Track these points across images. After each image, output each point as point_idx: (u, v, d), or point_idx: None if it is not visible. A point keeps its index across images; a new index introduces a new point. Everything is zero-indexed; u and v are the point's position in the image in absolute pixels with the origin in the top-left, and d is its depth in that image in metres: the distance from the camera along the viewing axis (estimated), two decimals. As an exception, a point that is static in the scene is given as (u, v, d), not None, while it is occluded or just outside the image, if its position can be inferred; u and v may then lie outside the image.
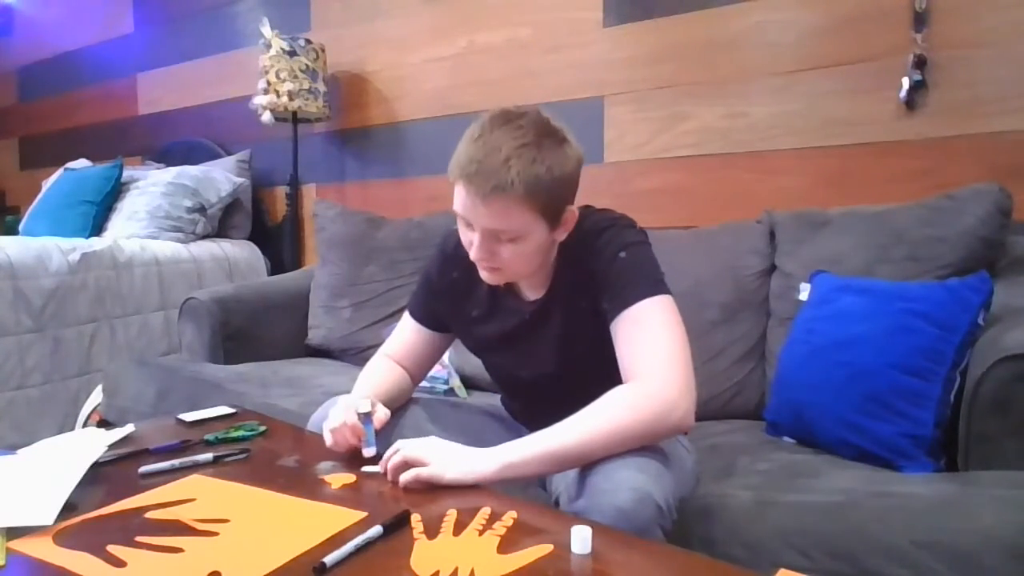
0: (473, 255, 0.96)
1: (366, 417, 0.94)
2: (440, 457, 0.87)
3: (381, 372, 1.14)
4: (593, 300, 0.98)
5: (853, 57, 1.77)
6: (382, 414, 0.98)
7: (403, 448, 0.89)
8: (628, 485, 0.80)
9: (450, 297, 1.13)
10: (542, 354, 1.07)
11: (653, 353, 0.91)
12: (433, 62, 2.52)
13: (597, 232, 1.00)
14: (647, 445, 0.88)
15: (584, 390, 0.90)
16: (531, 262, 0.98)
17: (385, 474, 0.89)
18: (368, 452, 0.94)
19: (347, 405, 0.98)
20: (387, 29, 2.63)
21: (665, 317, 0.93)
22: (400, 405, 1.14)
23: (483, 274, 1.00)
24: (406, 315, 1.20)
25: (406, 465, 0.87)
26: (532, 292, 1.07)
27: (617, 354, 0.95)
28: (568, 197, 0.96)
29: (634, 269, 0.96)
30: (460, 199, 0.92)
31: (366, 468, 0.93)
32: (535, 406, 1.07)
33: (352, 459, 0.96)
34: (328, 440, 0.98)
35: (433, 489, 0.85)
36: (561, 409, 0.89)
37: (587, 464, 0.87)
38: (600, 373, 0.94)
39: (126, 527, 0.76)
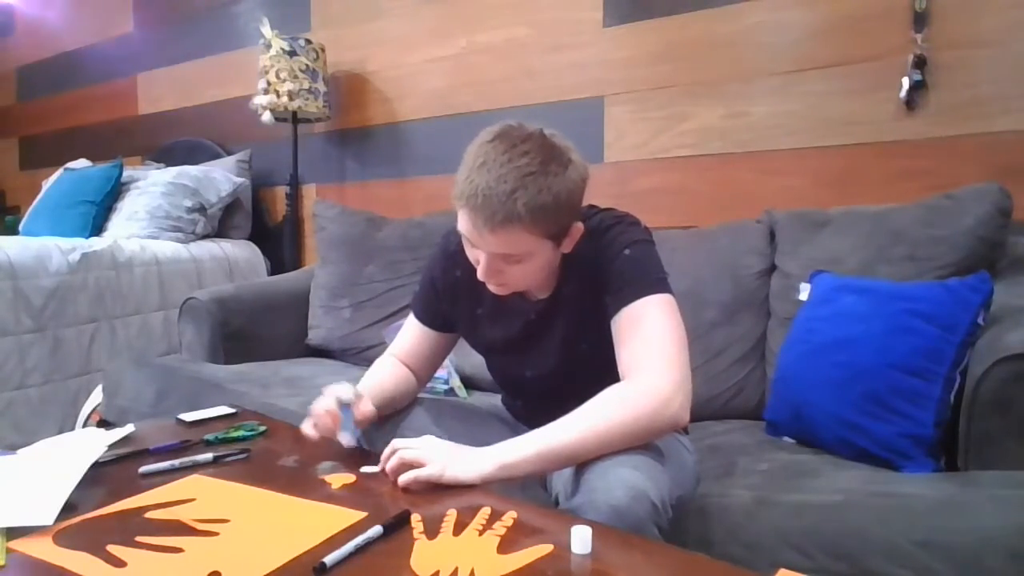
0: (480, 275, 0.96)
1: (346, 405, 0.96)
2: (437, 457, 0.87)
3: (384, 370, 1.15)
4: (597, 297, 0.99)
5: (853, 57, 1.77)
6: (366, 408, 0.99)
7: (400, 449, 0.89)
8: (623, 483, 0.80)
9: (454, 296, 1.13)
10: (547, 354, 1.07)
11: (649, 350, 0.91)
12: (433, 62, 2.52)
13: (603, 230, 1.00)
14: (644, 443, 0.88)
15: (587, 389, 0.90)
16: (538, 277, 1.00)
17: (384, 474, 0.90)
18: (344, 439, 0.95)
19: (332, 391, 0.99)
20: (387, 29, 2.63)
21: (664, 315, 0.94)
22: (405, 404, 1.14)
23: (490, 287, 1.00)
24: (410, 316, 1.20)
25: (405, 466, 0.87)
26: (538, 292, 1.07)
27: (615, 351, 0.95)
28: (575, 216, 0.96)
29: (637, 267, 0.97)
30: (465, 225, 0.92)
31: (366, 468, 0.93)
32: (538, 406, 1.07)
33: (351, 459, 0.96)
34: (306, 424, 0.99)
35: (433, 489, 0.85)
36: (564, 409, 0.89)
37: (583, 462, 0.87)
38: (604, 373, 0.94)
39: (126, 527, 0.76)
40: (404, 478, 0.85)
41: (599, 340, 0.98)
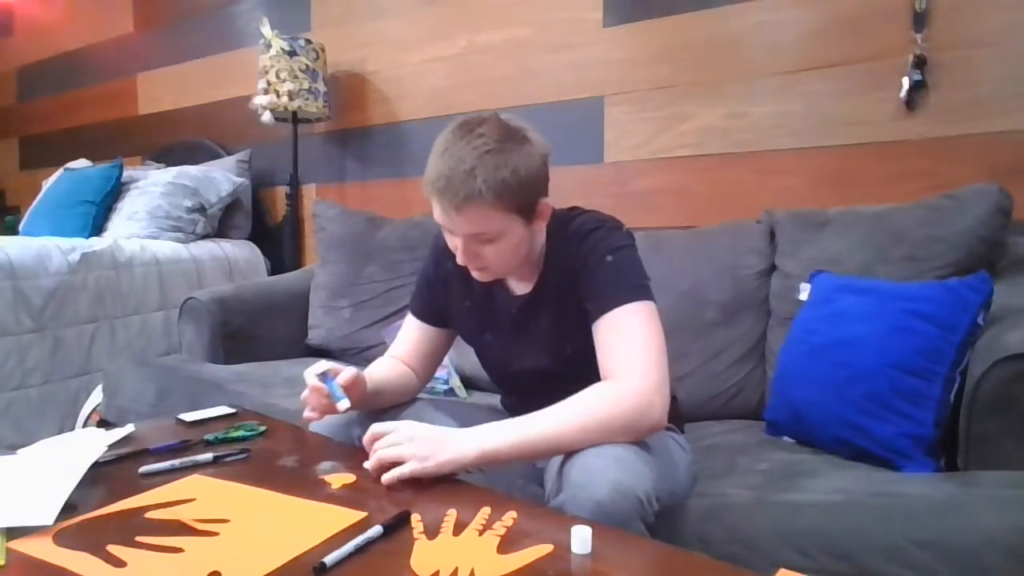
0: (459, 259, 1.00)
1: (324, 376, 0.99)
2: (416, 451, 0.86)
3: (380, 364, 1.17)
4: (579, 300, 1.00)
5: (853, 57, 1.77)
6: (347, 373, 1.01)
7: (380, 450, 0.89)
8: (606, 478, 0.81)
9: (446, 288, 1.16)
10: (530, 348, 1.09)
11: (632, 354, 0.93)
12: (433, 62, 2.52)
13: (585, 233, 1.02)
14: (623, 442, 0.89)
15: (572, 385, 0.92)
16: (515, 256, 1.02)
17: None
18: (341, 406, 0.98)
19: (307, 372, 1.02)
20: (387, 29, 2.63)
21: (646, 322, 0.95)
22: (402, 400, 1.15)
23: (474, 274, 1.04)
24: (408, 315, 1.22)
25: (388, 466, 0.87)
26: (519, 287, 1.09)
27: (597, 354, 0.97)
28: (539, 191, 0.99)
29: (619, 273, 0.98)
30: (436, 212, 0.97)
31: (369, 465, 0.93)
32: (527, 400, 1.08)
33: (351, 458, 0.96)
34: (305, 412, 1.03)
35: (432, 489, 0.85)
36: (552, 404, 0.91)
37: (566, 458, 0.88)
38: (588, 369, 0.95)
39: (126, 527, 0.76)
40: (386, 478, 0.86)
41: (581, 340, 1.00)
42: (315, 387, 1.00)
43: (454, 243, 1.00)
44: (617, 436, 0.88)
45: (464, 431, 0.90)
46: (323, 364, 1.01)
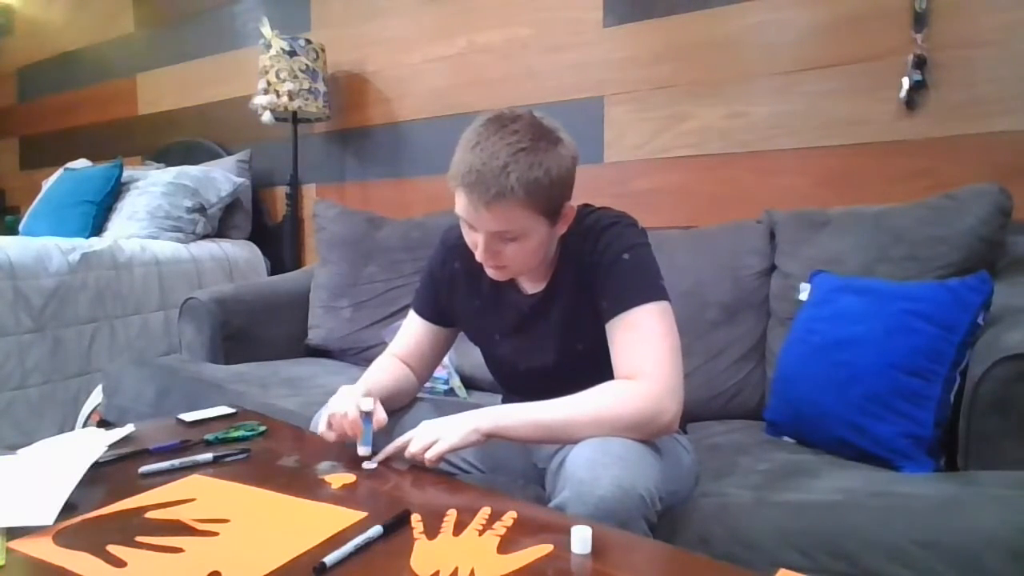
0: (479, 256, 0.98)
1: (367, 416, 0.96)
2: (441, 432, 0.91)
3: (384, 369, 1.15)
4: (593, 297, 1.00)
5: (853, 57, 1.77)
6: (381, 416, 0.99)
7: (412, 446, 0.92)
8: (610, 475, 0.81)
9: (452, 287, 1.15)
10: (540, 348, 1.08)
11: (649, 356, 0.93)
12: (433, 62, 2.52)
13: (599, 230, 1.01)
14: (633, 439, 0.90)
15: (580, 386, 0.92)
16: (535, 258, 1.01)
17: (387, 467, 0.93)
18: (363, 451, 0.96)
19: (349, 395, 1.00)
20: (387, 29, 2.63)
21: (663, 323, 0.96)
22: (405, 403, 1.15)
23: (489, 272, 1.02)
24: (411, 312, 1.22)
25: (423, 452, 0.91)
26: (531, 286, 1.08)
27: (612, 354, 0.97)
28: (566, 194, 0.98)
29: (636, 272, 0.98)
30: (462, 205, 0.94)
31: (366, 465, 0.94)
32: (533, 400, 1.08)
33: (351, 459, 0.96)
34: (322, 426, 0.99)
35: (427, 488, 0.86)
36: None
37: (569, 456, 0.88)
38: (597, 369, 0.95)
39: (126, 527, 0.76)
40: (429, 454, 0.89)
41: (592, 338, 1.00)
42: (355, 422, 0.96)
43: (473, 239, 0.98)
44: (626, 433, 0.89)
45: (482, 409, 0.94)
46: (370, 402, 0.97)
